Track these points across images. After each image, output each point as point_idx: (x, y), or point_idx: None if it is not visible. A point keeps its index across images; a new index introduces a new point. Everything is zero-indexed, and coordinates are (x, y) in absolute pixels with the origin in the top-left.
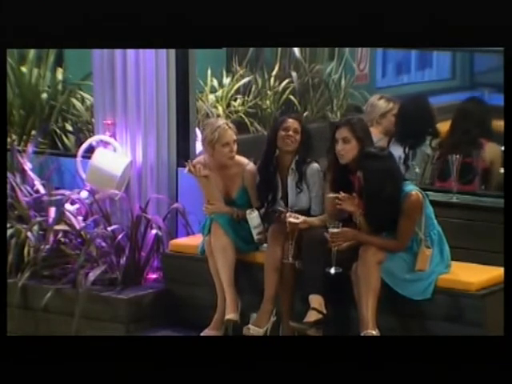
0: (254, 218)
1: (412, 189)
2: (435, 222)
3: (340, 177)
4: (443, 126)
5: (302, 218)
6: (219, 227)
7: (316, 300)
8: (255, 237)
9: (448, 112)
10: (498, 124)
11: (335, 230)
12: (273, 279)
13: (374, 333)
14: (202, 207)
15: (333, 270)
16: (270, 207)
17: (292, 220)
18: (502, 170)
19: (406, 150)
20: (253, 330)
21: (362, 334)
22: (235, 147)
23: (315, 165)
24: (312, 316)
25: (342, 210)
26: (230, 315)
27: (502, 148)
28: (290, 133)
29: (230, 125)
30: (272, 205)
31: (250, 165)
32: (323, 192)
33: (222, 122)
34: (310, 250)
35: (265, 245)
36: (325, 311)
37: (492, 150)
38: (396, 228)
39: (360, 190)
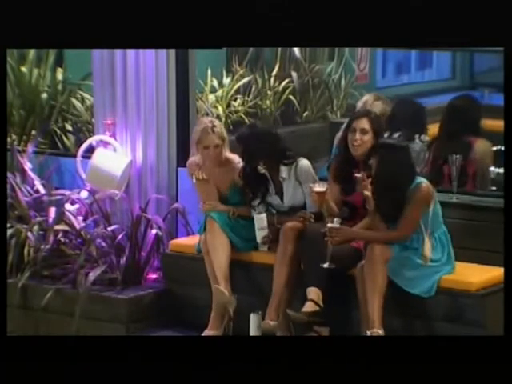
0: (260, 219)
1: (423, 181)
2: (442, 222)
3: (344, 169)
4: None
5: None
6: (215, 224)
7: (314, 292)
8: (259, 239)
9: None
10: (492, 123)
11: (335, 226)
12: (282, 275)
13: (380, 332)
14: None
15: (326, 265)
16: (263, 202)
17: (318, 189)
18: (492, 168)
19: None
20: (273, 323)
21: (368, 333)
22: (219, 150)
23: (305, 161)
24: (309, 307)
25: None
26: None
27: (493, 147)
28: None
29: (217, 128)
30: (264, 200)
31: (241, 162)
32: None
33: (206, 123)
34: (311, 244)
35: (263, 246)
36: (322, 304)
37: (481, 147)
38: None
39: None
